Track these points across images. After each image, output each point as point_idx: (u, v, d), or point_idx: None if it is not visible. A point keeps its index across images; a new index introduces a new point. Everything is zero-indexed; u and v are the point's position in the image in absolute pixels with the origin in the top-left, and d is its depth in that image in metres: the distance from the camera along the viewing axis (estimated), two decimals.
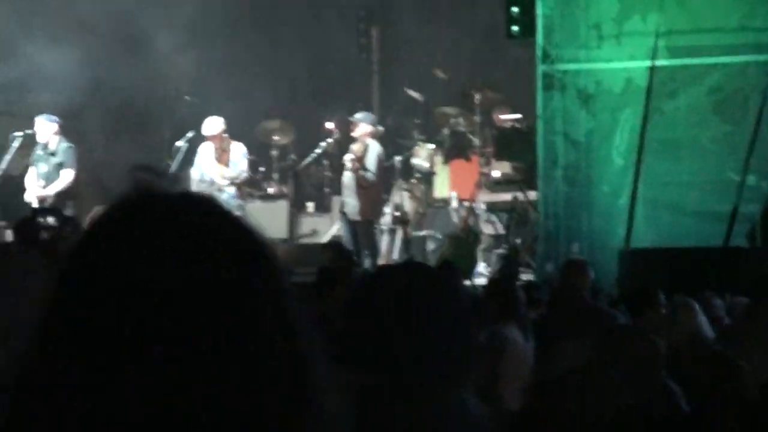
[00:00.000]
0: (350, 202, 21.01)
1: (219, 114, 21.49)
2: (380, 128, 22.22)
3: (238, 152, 21.45)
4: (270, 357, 2.06)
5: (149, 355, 2.03)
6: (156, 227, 2.12)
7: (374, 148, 21.12)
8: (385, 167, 21.67)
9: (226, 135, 21.33)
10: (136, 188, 2.20)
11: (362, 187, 20.94)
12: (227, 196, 20.98)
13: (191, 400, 2.04)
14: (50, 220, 12.65)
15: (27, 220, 16.99)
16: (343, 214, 21.01)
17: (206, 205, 2.20)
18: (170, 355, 2.04)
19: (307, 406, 2.10)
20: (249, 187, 22.27)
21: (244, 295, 2.10)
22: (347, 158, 21.10)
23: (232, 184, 21.20)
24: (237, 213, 2.26)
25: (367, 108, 23.54)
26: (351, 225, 20.83)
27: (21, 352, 2.17)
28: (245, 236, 2.17)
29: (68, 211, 19.67)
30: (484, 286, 16.08)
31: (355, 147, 21.05)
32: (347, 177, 21.14)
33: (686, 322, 10.57)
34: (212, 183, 21.10)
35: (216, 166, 21.31)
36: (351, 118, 21.61)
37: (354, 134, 21.26)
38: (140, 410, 2.02)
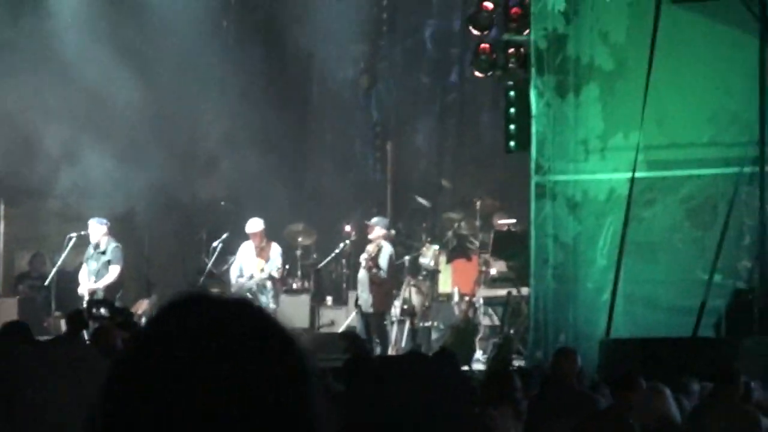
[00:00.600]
0: (364, 296, 21.26)
1: (248, 216, 21.93)
2: (392, 231, 22.42)
3: (276, 251, 21.80)
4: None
5: None
6: (203, 328, 2.16)
7: (387, 249, 21.43)
8: (395, 266, 21.86)
9: (264, 235, 21.76)
10: (187, 291, 2.25)
11: (375, 283, 21.21)
12: (266, 288, 21.42)
13: None
14: (102, 311, 12.76)
15: (80, 311, 17.54)
16: (358, 307, 21.25)
17: (246, 307, 2.24)
18: None
19: None
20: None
21: (279, 384, 2.14)
22: (363, 258, 21.36)
23: (270, 278, 21.51)
24: (271, 311, 2.39)
25: (381, 213, 23.73)
26: (364, 317, 21.05)
27: None
28: (278, 334, 2.20)
29: (117, 303, 20.23)
30: (481, 372, 16.69)
31: (370, 248, 21.35)
32: (362, 274, 21.37)
33: (658, 405, 10.64)
34: (251, 277, 21.45)
35: (256, 262, 21.61)
36: (367, 222, 21.89)
37: (370, 236, 21.48)
38: None
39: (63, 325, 21.86)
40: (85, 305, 19.46)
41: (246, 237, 21.84)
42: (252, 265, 21.61)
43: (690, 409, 11.45)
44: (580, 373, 13.66)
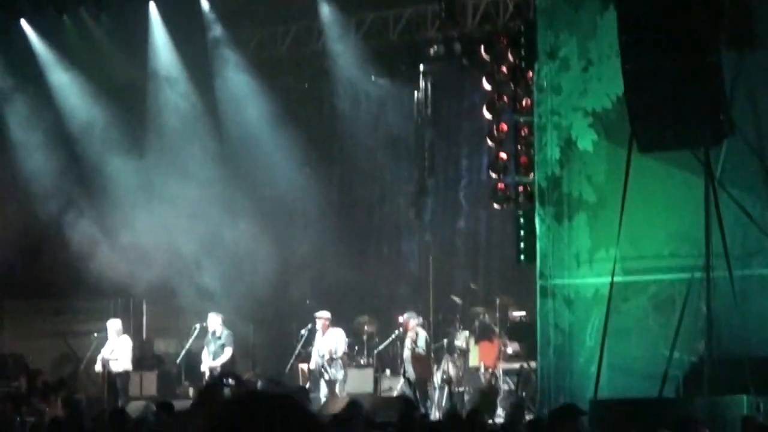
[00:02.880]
0: (410, 369, 21.52)
1: (326, 310, 22.17)
2: (422, 320, 22.40)
3: (340, 334, 21.89)
4: None
5: None
6: (259, 423, 2.14)
7: (422, 334, 21.74)
8: (430, 345, 21.98)
9: (329, 323, 21.82)
10: (248, 393, 2.29)
11: (417, 359, 21.51)
12: (335, 363, 21.49)
13: None
14: (231, 381, 12.62)
15: (213, 383, 17.73)
16: (407, 378, 21.33)
17: (293, 406, 2.23)
18: None
19: None
20: (348, 359, 22.09)
21: None
22: (406, 342, 21.73)
23: (333, 357, 21.52)
24: (310, 411, 2.31)
25: (425, 308, 23.59)
26: (412, 385, 21.02)
27: None
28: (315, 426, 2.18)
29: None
30: (502, 424, 16.28)
31: (411, 334, 21.63)
32: (407, 353, 21.70)
33: None
34: (323, 356, 21.47)
35: (325, 344, 21.71)
36: (401, 318, 22.01)
37: (408, 328, 21.80)
38: None
39: (191, 392, 22.46)
40: (217, 377, 19.76)
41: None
42: (323, 347, 21.70)
43: None
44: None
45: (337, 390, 21.68)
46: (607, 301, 18.83)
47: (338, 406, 15.78)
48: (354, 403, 13.86)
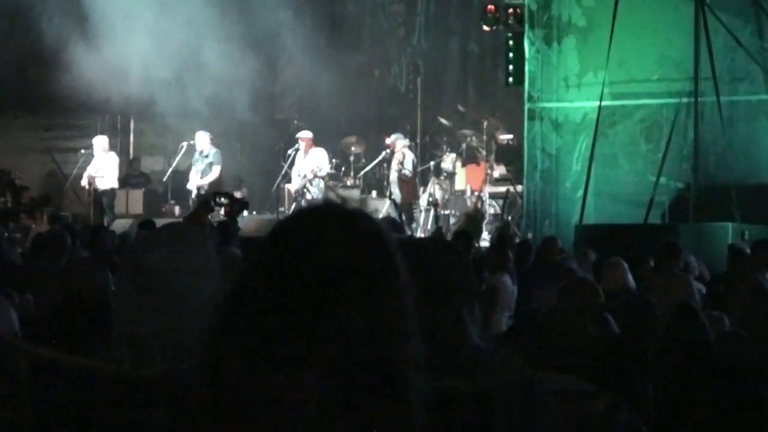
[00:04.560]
0: (396, 191, 21.42)
1: (313, 131, 21.82)
2: (409, 141, 22.33)
3: (323, 154, 21.57)
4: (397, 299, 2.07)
5: (325, 306, 2.02)
6: (323, 227, 2.10)
7: (409, 156, 21.53)
8: (417, 168, 21.92)
9: (312, 142, 21.48)
10: (312, 202, 2.18)
11: (403, 181, 21.40)
12: (314, 184, 21.18)
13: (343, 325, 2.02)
14: (223, 200, 12.60)
15: (208, 199, 17.49)
16: (392, 199, 21.28)
17: (357, 215, 2.17)
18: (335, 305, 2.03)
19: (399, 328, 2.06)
20: (333, 180, 21.97)
21: (378, 267, 2.07)
22: (393, 163, 21.50)
23: (317, 176, 21.31)
24: (376, 217, 2.24)
25: (413, 130, 23.69)
26: (398, 207, 20.98)
27: (215, 303, 2.11)
28: (379, 234, 2.13)
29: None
30: (486, 248, 16.30)
31: (397, 155, 21.41)
32: (393, 175, 21.50)
33: (618, 275, 10.47)
34: (305, 177, 21.21)
35: (307, 164, 21.39)
36: (388, 140, 21.82)
37: (395, 150, 21.56)
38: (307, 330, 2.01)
39: (177, 210, 22.37)
40: (211, 195, 19.46)
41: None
42: (305, 167, 21.42)
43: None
44: (561, 250, 13.82)
45: None
46: (594, 126, 18.78)
47: None
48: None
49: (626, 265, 10.69)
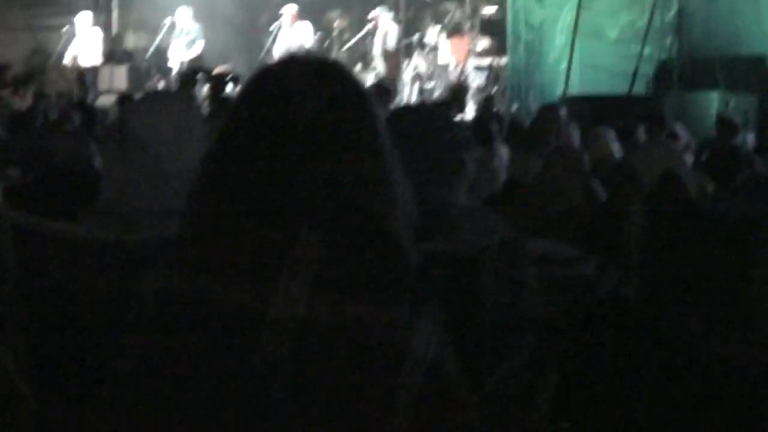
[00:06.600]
0: (380, 65, 21.45)
1: (299, 4, 21.60)
2: (393, 14, 22.16)
3: (308, 28, 21.46)
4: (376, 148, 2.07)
5: (306, 151, 2.02)
6: (301, 79, 2.10)
7: (393, 29, 21.47)
8: (401, 41, 21.75)
9: (297, 16, 21.33)
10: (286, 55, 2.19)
11: (387, 54, 21.41)
12: None
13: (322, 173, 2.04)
14: (200, 75, 12.51)
15: (189, 73, 17.40)
16: (376, 73, 21.25)
17: (334, 65, 2.19)
18: (322, 149, 2.04)
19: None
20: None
21: (357, 117, 2.08)
22: (377, 36, 21.49)
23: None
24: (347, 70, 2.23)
25: (397, 3, 23.07)
26: (381, 80, 20.33)
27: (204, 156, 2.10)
28: (355, 83, 2.15)
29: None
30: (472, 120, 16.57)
31: (382, 29, 21.39)
32: (377, 48, 21.54)
33: (603, 144, 10.41)
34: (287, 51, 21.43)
35: (292, 40, 21.11)
36: (372, 12, 21.67)
37: (378, 24, 21.51)
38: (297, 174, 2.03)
39: (160, 86, 22.02)
40: (189, 70, 19.29)
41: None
42: (290, 41, 21.08)
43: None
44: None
45: None
46: None
47: None
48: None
49: (613, 134, 10.68)
